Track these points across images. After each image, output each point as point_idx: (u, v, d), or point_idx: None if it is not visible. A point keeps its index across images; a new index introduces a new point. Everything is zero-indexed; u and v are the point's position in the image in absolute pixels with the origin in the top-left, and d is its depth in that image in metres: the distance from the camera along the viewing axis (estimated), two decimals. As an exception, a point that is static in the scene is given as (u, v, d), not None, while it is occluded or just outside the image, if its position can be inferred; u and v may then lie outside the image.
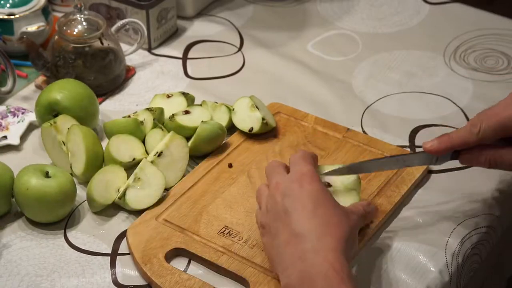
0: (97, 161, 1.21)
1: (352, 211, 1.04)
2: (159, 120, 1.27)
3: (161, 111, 1.28)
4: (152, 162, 1.19)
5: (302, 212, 0.99)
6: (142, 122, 1.25)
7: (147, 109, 1.27)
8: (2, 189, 1.16)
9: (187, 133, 1.25)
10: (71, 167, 1.21)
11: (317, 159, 1.09)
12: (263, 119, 1.25)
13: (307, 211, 0.99)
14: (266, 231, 1.04)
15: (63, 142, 1.22)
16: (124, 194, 1.16)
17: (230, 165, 1.22)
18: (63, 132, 1.22)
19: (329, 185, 1.11)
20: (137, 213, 1.17)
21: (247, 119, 1.27)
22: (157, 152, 1.20)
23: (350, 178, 1.12)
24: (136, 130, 1.24)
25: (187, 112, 1.28)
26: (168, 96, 1.32)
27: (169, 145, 1.21)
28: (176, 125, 1.26)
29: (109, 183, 1.17)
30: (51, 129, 1.23)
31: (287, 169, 1.07)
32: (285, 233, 1.00)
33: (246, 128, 1.27)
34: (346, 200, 1.09)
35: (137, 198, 1.16)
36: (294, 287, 0.96)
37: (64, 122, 1.23)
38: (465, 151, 1.09)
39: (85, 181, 1.21)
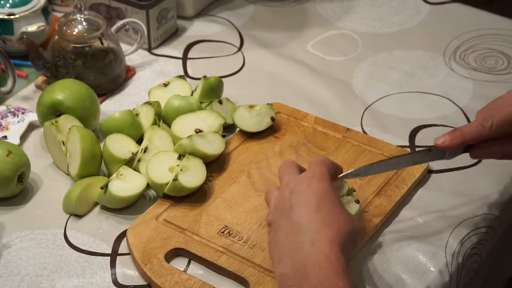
0: (94, 164, 1.21)
1: (355, 218, 1.04)
2: (158, 114, 1.28)
3: (158, 104, 1.28)
4: (139, 160, 1.20)
5: (306, 207, 1.01)
6: (137, 114, 1.25)
7: (146, 103, 1.28)
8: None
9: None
10: (68, 168, 1.21)
11: (339, 170, 1.09)
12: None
13: (311, 207, 1.00)
14: (272, 228, 1.04)
15: (62, 142, 1.22)
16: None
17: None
18: (64, 132, 1.22)
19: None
20: (137, 213, 1.17)
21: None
22: (142, 149, 1.21)
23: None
24: (133, 123, 1.24)
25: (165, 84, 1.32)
26: (165, 85, 1.32)
27: (151, 139, 1.22)
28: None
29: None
30: (52, 128, 1.23)
31: (301, 170, 1.08)
32: (286, 225, 1.01)
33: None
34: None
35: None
36: (288, 276, 0.97)
37: (66, 122, 1.23)
38: (478, 145, 1.08)
39: None
